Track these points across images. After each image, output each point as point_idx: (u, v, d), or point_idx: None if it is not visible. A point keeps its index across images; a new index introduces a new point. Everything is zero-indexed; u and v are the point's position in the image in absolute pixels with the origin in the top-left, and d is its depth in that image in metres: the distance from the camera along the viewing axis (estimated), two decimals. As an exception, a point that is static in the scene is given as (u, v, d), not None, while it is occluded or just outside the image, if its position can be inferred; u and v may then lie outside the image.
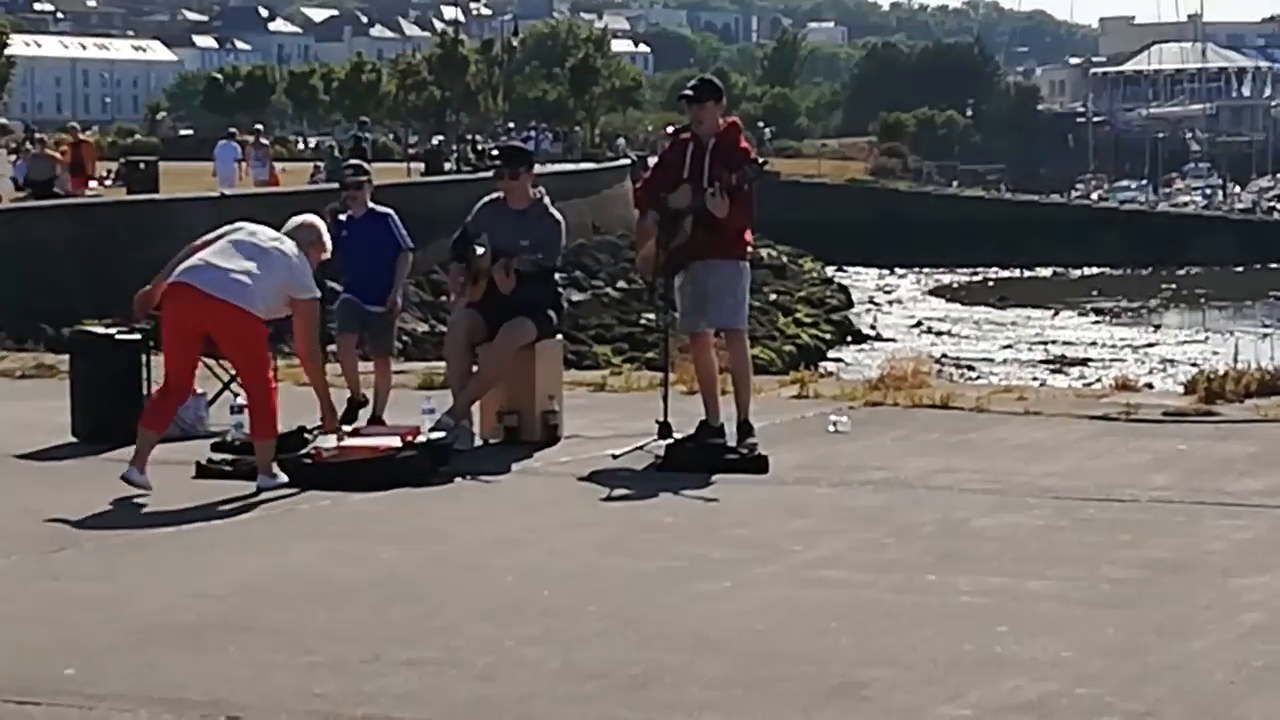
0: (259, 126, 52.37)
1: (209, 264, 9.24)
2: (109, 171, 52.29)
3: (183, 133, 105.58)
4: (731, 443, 9.97)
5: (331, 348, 11.96)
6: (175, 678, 5.74)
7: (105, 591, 7.00)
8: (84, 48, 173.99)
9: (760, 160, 10.07)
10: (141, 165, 39.60)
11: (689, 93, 10.23)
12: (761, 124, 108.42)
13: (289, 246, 9.49)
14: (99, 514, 8.68)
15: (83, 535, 8.16)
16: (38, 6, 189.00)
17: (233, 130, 48.64)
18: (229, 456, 10.00)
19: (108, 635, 6.28)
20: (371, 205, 11.35)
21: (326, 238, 9.81)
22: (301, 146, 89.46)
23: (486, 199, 10.89)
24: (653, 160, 11.18)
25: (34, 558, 7.68)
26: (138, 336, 11.26)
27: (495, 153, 11.34)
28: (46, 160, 36.28)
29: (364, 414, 11.49)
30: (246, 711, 5.40)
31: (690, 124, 10.19)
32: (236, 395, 11.12)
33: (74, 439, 10.95)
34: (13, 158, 37.21)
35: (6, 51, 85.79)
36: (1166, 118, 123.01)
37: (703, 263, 10.04)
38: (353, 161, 12.29)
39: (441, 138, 78.78)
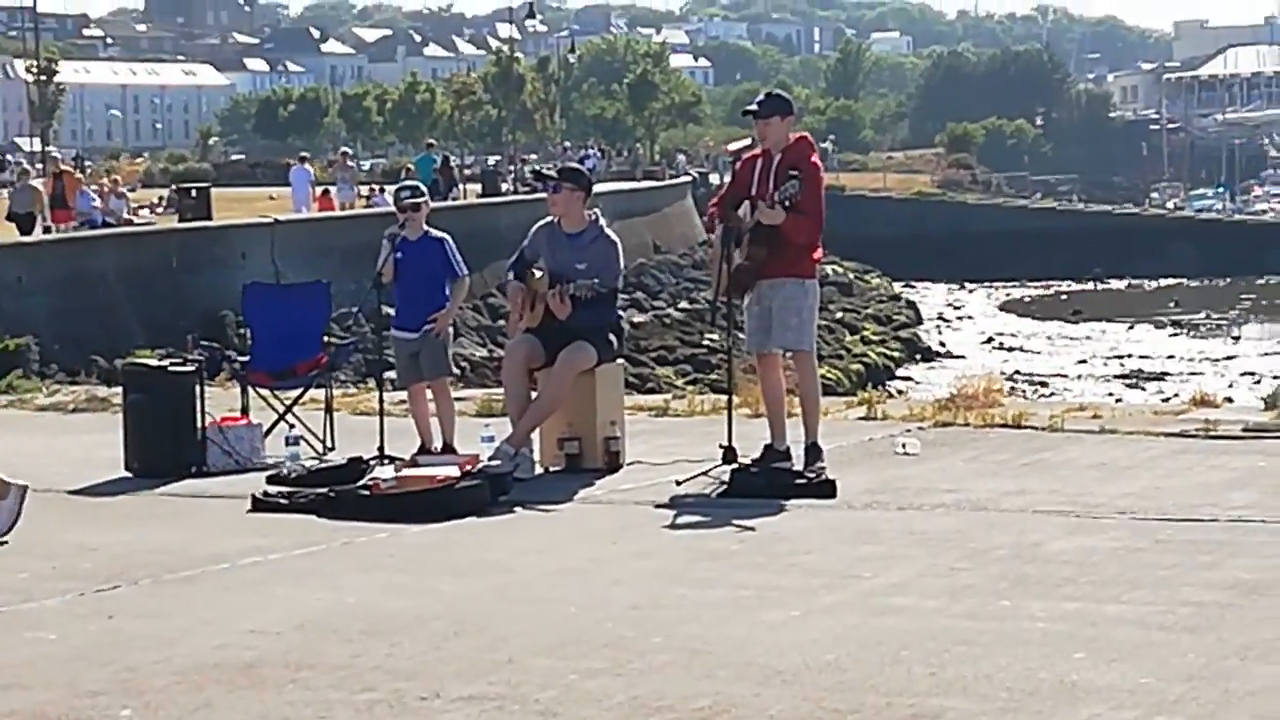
0: (346, 150, 52.44)
1: None
2: (160, 199, 52.46)
3: (234, 157, 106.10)
4: (799, 466, 9.81)
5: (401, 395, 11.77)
6: (233, 717, 5.68)
7: (160, 629, 6.93)
8: (134, 73, 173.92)
9: (797, 173, 9.74)
10: (193, 192, 38.54)
11: (753, 108, 10.07)
12: (826, 138, 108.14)
13: None
14: (153, 549, 8.59)
15: (137, 572, 8.07)
16: (87, 33, 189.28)
17: (305, 154, 48.74)
18: (285, 489, 9.89)
19: (164, 674, 6.21)
20: (427, 229, 11.22)
21: None
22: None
23: (542, 222, 10.77)
24: (717, 179, 11.01)
25: (87, 595, 7.61)
26: (191, 368, 11.18)
27: (544, 172, 11.14)
28: (28, 192, 33.18)
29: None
30: (305, 751, 5.32)
31: (756, 140, 10.03)
32: (292, 426, 11.05)
33: (127, 474, 10.87)
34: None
35: (56, 79, 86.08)
36: (1243, 123, 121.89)
37: (768, 281, 9.89)
38: (409, 183, 12.13)
39: (498, 158, 78.68)
